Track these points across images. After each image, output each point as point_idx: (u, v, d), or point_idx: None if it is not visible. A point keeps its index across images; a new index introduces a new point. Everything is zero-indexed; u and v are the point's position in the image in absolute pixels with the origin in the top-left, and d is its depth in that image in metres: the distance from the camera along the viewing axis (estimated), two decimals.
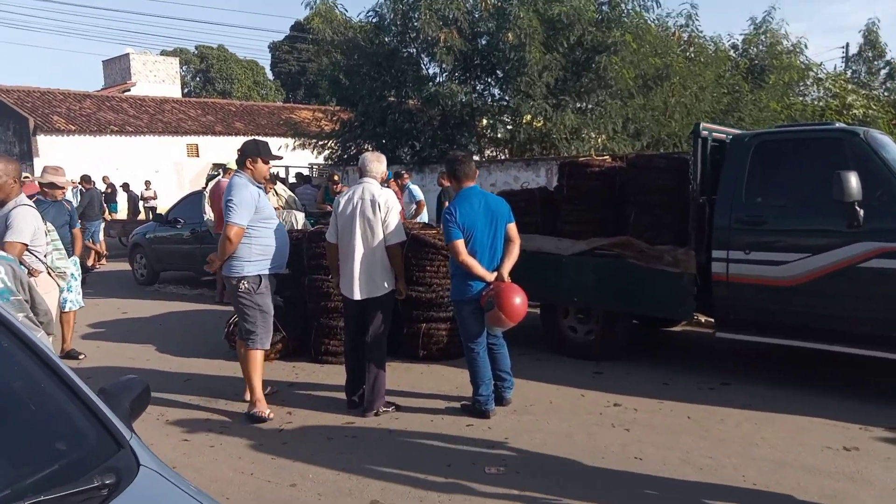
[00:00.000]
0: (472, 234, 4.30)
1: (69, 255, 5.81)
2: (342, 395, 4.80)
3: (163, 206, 16.31)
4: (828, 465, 3.60)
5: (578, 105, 13.07)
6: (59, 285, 4.50)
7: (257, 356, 4.54)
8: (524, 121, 13.38)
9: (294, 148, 16.25)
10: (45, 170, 5.89)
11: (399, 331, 5.83)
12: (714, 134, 5.44)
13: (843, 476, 3.46)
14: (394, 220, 4.48)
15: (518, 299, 4.17)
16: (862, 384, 4.88)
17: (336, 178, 11.32)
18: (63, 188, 5.88)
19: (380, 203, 4.45)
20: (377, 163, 4.67)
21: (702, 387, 4.91)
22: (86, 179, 12.70)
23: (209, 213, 9.06)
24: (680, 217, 5.24)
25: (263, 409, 4.50)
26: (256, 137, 5.23)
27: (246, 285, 4.42)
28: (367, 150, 14.96)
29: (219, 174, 9.53)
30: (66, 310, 6.01)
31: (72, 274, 5.90)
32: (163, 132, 22.84)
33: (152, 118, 23.55)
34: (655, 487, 3.37)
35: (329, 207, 10.78)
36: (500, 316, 4.15)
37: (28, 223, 3.96)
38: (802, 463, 3.62)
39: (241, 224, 4.30)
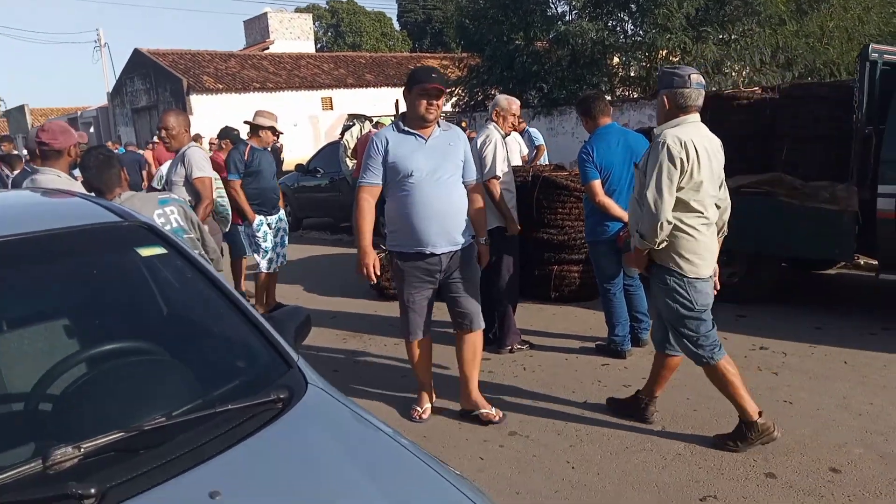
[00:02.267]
0: (609, 172, 4.21)
1: (275, 207, 5.67)
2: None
3: (294, 158, 17.01)
4: None
5: (721, 36, 12.12)
6: (220, 229, 4.93)
7: (408, 348, 3.64)
8: (659, 56, 12.64)
9: None
10: (257, 113, 5.62)
11: (531, 273, 5.87)
12: (885, 56, 4.87)
13: None
14: (487, 156, 4.36)
15: None
16: None
17: (464, 124, 11.37)
18: (267, 129, 5.56)
19: (478, 142, 4.44)
20: (492, 106, 4.74)
21: (860, 332, 4.56)
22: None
23: (347, 163, 9.49)
24: (839, 151, 4.79)
25: (418, 410, 3.71)
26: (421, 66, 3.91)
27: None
28: (493, 95, 14.87)
29: (353, 124, 9.87)
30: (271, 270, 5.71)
31: (284, 228, 5.80)
32: (299, 87, 23.83)
33: (290, 74, 24.62)
34: (808, 431, 3.22)
35: None
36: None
37: (206, 159, 4.39)
38: None
39: (363, 182, 3.41)
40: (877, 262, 4.90)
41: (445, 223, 3.36)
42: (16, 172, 6.88)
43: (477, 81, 14.89)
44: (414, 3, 41.48)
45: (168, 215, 3.26)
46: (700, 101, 3.09)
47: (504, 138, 4.59)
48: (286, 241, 5.90)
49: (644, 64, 13.09)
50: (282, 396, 1.74)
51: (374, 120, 9.71)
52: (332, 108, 24.05)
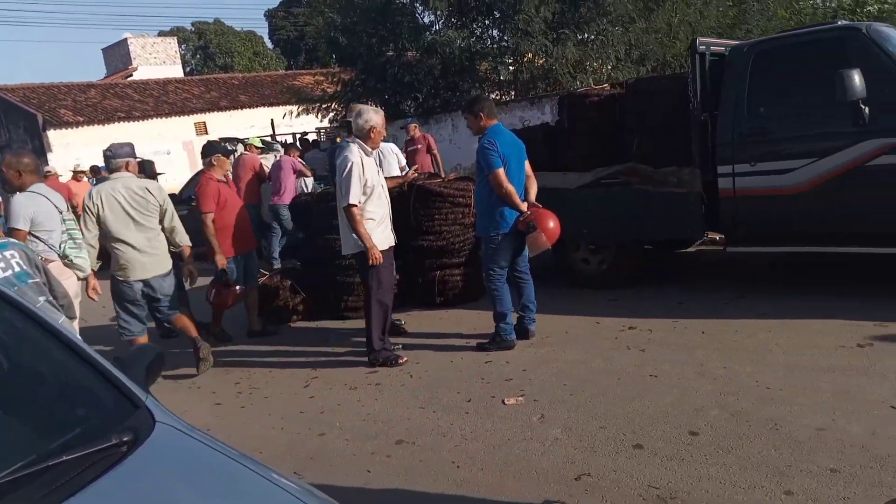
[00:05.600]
0: (507, 165, 4.45)
1: None
2: (359, 349, 4.94)
3: (171, 187, 16.30)
4: (842, 362, 3.64)
5: (579, 37, 12.74)
6: (76, 275, 4.59)
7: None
8: (525, 60, 13.11)
9: (297, 114, 16.21)
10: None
11: (414, 280, 5.93)
12: (713, 48, 5.32)
13: (856, 371, 3.50)
14: (344, 181, 4.41)
15: (553, 222, 4.49)
16: (875, 283, 4.86)
17: (339, 139, 11.40)
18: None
19: (337, 164, 4.58)
20: (354, 118, 4.64)
21: (716, 302, 4.94)
22: (94, 170, 12.78)
23: None
24: (683, 138, 5.17)
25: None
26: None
27: None
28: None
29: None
30: None
31: None
32: (169, 113, 22.82)
33: (157, 100, 23.52)
34: (670, 400, 3.45)
35: None
36: (541, 237, 4.41)
37: (22, 209, 4.01)
38: (816, 364, 3.66)
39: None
40: (723, 238, 5.33)
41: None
42: None
43: (352, 95, 14.84)
44: (284, 20, 40.83)
45: (9, 259, 3.04)
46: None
47: (369, 155, 4.57)
48: None
49: (512, 68, 13.53)
50: (125, 439, 1.67)
51: (246, 142, 9.46)
52: (206, 133, 23.18)
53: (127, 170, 4.73)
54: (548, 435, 3.28)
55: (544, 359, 4.32)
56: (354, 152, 4.49)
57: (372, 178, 4.52)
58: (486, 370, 4.27)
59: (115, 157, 4.69)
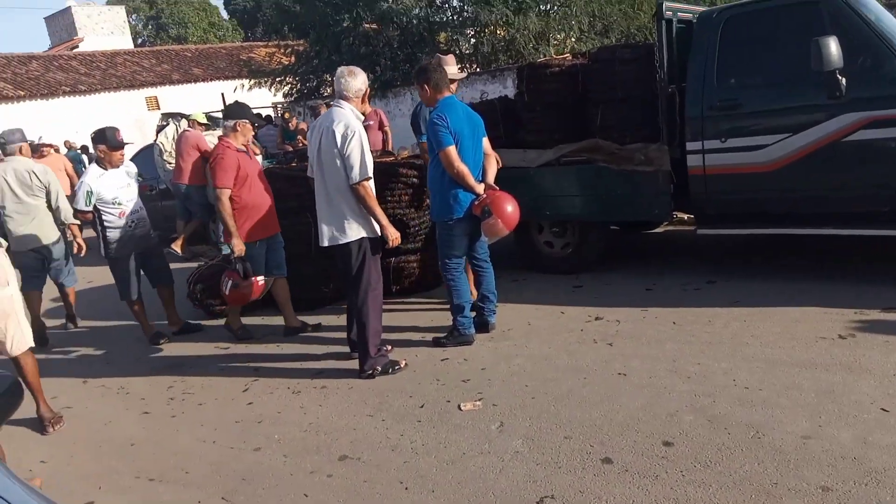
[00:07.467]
0: (459, 142, 4.00)
1: None
2: (309, 347, 4.57)
3: None
4: (823, 357, 3.37)
5: (542, 7, 12.31)
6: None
7: None
8: (487, 31, 12.65)
9: (250, 88, 15.52)
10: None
11: None
12: (680, 14, 4.96)
13: (839, 367, 3.23)
14: (351, 153, 3.68)
15: (511, 207, 4.04)
16: (854, 267, 4.63)
17: (287, 115, 10.88)
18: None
19: (335, 131, 3.71)
20: (348, 77, 3.86)
21: (687, 288, 4.66)
22: (35, 150, 11.95)
23: (166, 167, 8.64)
24: (649, 111, 4.83)
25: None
26: None
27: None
28: (327, 80, 14.30)
29: (167, 123, 8.99)
30: None
31: None
32: (118, 87, 21.81)
33: (105, 73, 22.45)
34: (641, 403, 3.15)
35: (290, 147, 10.30)
36: (498, 223, 3.99)
37: None
38: (796, 358, 3.39)
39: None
40: (693, 218, 5.03)
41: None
42: None
43: (307, 68, 14.22)
44: None
45: None
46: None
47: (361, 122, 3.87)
48: None
49: (473, 40, 13.06)
50: None
51: (190, 117, 8.86)
52: (158, 108, 22.22)
53: (21, 153, 5.44)
54: (507, 447, 2.95)
55: (505, 355, 3.98)
56: (353, 119, 3.76)
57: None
58: (441, 369, 3.91)
59: (9, 143, 5.39)
